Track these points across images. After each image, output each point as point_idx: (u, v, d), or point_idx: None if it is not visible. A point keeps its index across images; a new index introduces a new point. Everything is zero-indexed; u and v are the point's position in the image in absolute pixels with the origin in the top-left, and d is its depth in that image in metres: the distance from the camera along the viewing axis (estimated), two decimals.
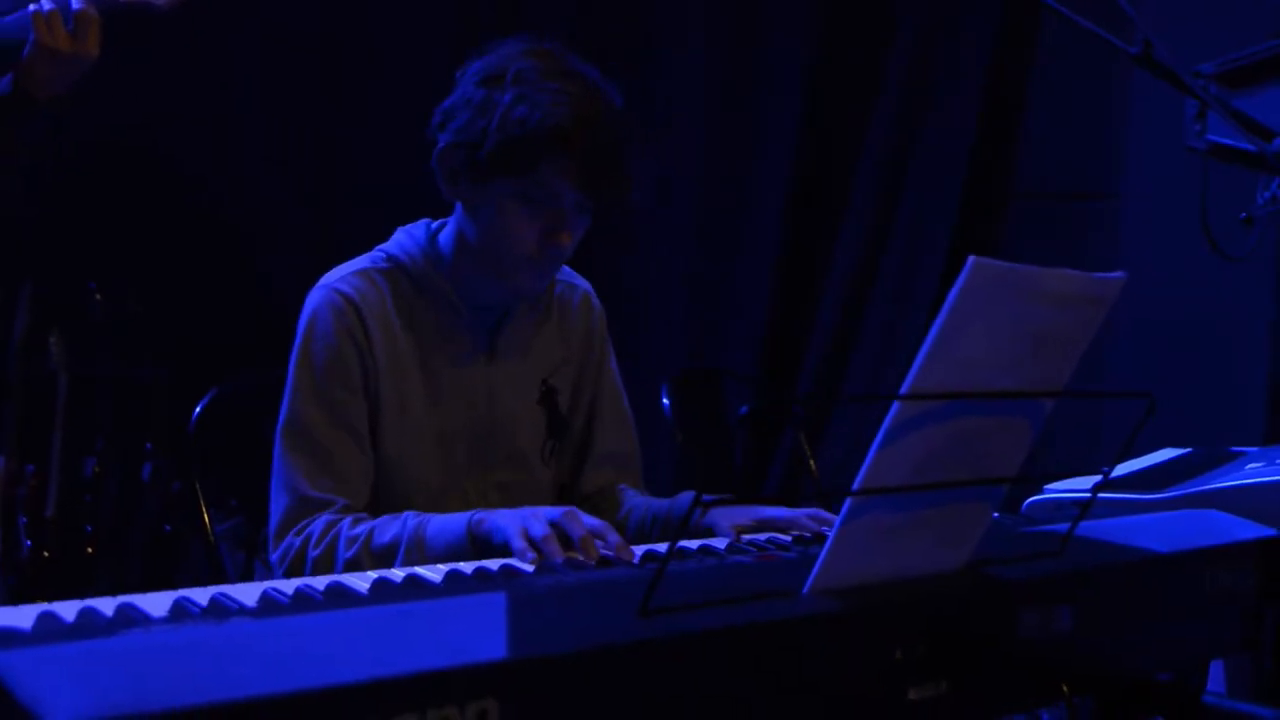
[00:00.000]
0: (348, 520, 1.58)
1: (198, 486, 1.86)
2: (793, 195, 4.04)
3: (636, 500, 1.83)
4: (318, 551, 1.57)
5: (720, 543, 1.39)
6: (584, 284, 1.91)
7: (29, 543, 3.33)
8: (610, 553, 1.33)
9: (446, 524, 1.52)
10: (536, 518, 1.39)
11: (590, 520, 1.39)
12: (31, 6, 2.00)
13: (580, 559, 1.31)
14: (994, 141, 3.90)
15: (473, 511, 1.51)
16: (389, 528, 1.55)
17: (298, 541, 1.59)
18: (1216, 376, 3.19)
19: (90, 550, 3.48)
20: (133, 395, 3.74)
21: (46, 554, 3.36)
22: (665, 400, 2.64)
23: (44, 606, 0.91)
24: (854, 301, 4.01)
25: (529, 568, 1.20)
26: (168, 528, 3.56)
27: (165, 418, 3.71)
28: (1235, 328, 3.25)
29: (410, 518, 1.55)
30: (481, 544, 1.46)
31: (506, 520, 1.42)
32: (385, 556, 1.53)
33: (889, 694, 1.02)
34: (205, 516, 1.84)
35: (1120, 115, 3.66)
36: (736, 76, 4.10)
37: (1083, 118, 3.74)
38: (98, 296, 3.71)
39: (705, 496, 1.51)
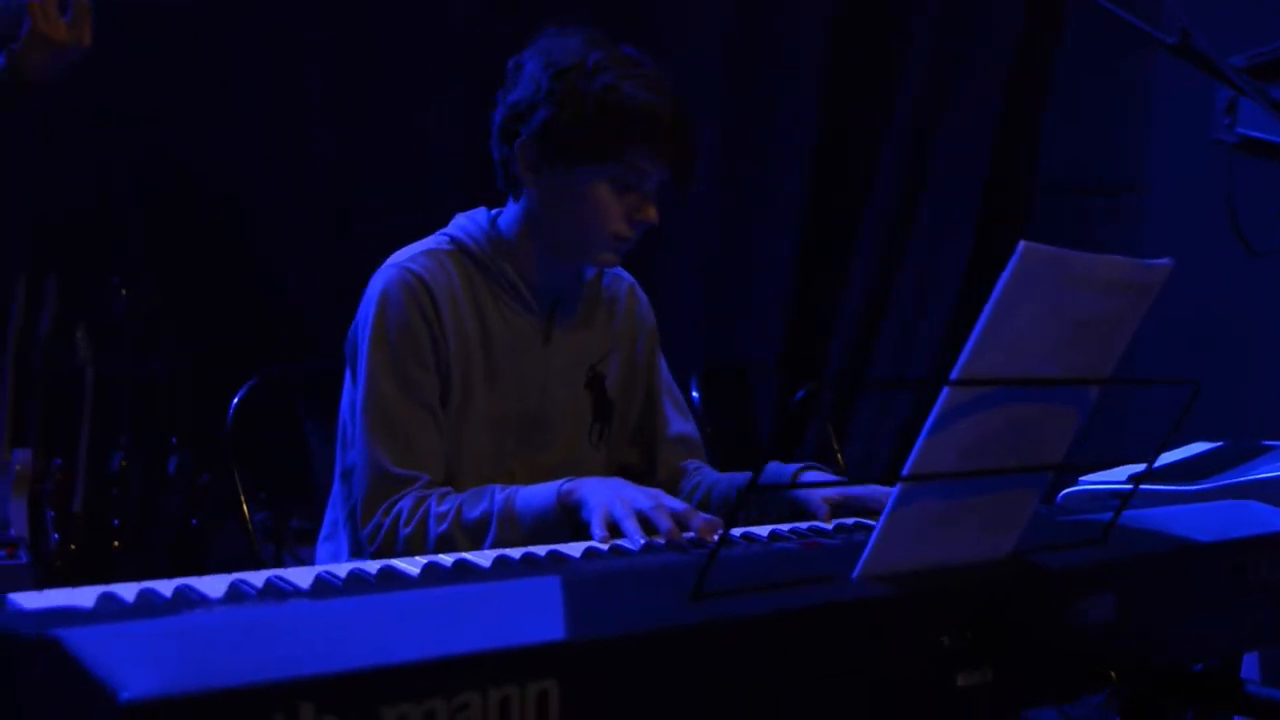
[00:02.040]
0: (435, 496, 1.61)
1: (236, 477, 1.87)
2: (815, 188, 4.04)
3: (716, 475, 1.86)
4: (409, 529, 1.59)
5: (763, 530, 1.40)
6: (629, 277, 1.94)
7: (56, 536, 3.35)
8: (693, 535, 1.38)
9: (536, 495, 1.55)
10: (622, 502, 1.43)
11: (675, 504, 1.43)
12: None
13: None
14: (1017, 135, 3.89)
15: (562, 481, 1.55)
16: (477, 503, 1.58)
17: (388, 521, 1.61)
18: (1244, 371, 3.18)
19: (116, 544, 3.50)
20: (158, 390, 3.76)
21: (73, 547, 3.38)
22: (695, 393, 2.65)
23: (103, 587, 0.92)
24: (878, 296, 4.01)
25: (576, 553, 1.22)
26: (194, 521, 3.58)
27: (191, 412, 3.73)
28: (1262, 321, 3.24)
29: (497, 491, 1.59)
30: (571, 513, 1.50)
31: (594, 498, 1.47)
32: (477, 531, 1.56)
33: (937, 680, 1.02)
34: (244, 506, 1.85)
35: (1144, 109, 3.65)
36: (757, 64, 4.10)
37: (1106, 111, 3.73)
38: (123, 292, 3.73)
39: (782, 465, 1.55)
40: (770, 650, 0.90)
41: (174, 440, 3.71)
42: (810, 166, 4.03)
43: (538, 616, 0.85)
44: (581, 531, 1.46)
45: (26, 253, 3.62)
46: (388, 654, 0.74)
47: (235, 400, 1.94)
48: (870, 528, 1.42)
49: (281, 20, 3.91)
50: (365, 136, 4.04)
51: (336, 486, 1.76)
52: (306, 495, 2.62)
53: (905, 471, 1.01)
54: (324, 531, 1.78)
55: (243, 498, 1.87)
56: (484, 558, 1.16)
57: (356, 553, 1.71)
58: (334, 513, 1.77)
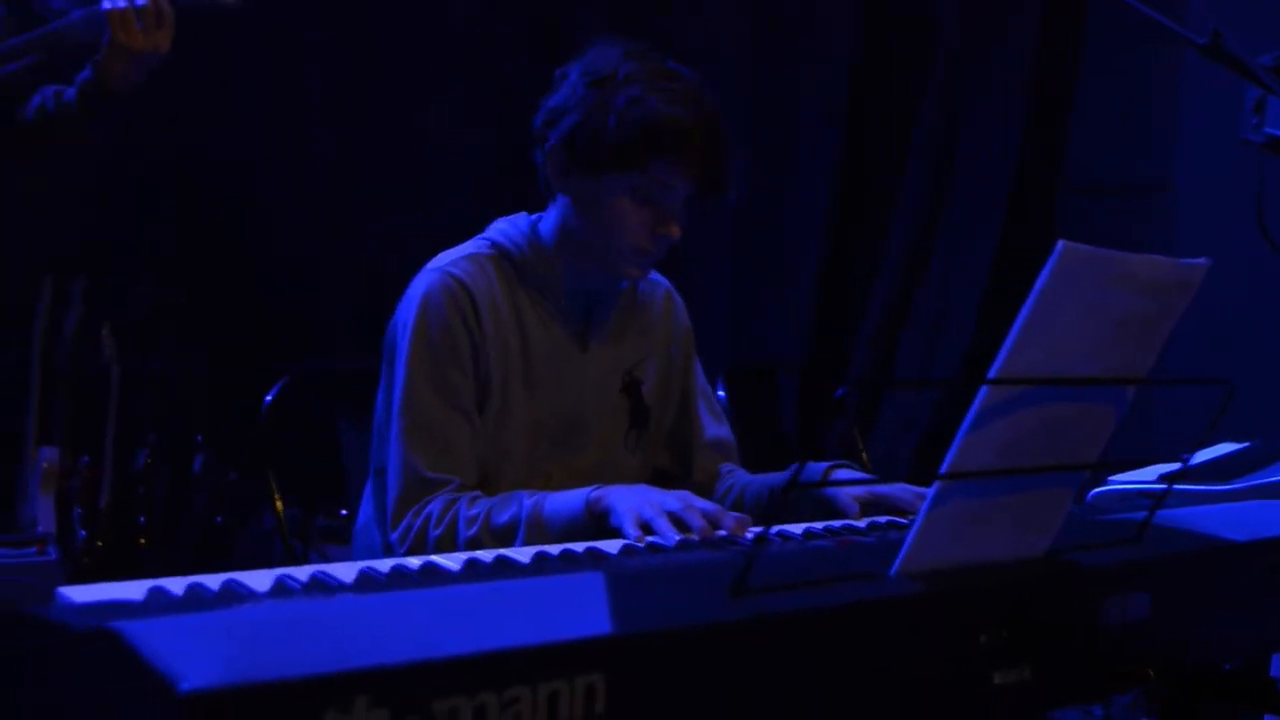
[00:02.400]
0: (465, 500, 1.61)
1: (270, 475, 1.88)
2: (840, 190, 4.04)
3: (749, 477, 1.86)
4: (438, 531, 1.59)
5: (797, 529, 1.40)
6: (664, 281, 1.95)
7: (83, 533, 3.37)
8: (725, 533, 1.38)
9: (564, 502, 1.55)
10: (651, 505, 1.43)
11: (704, 504, 1.43)
12: (105, 4, 2.06)
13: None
14: (1044, 135, 3.87)
15: (589, 488, 1.54)
16: (506, 507, 1.59)
17: (418, 523, 1.62)
18: (1271, 371, 3.16)
19: (143, 541, 3.52)
20: (184, 388, 3.79)
21: (100, 544, 3.40)
22: (721, 394, 2.66)
23: (151, 581, 0.93)
24: (903, 296, 4.01)
25: (613, 550, 1.22)
26: (219, 519, 3.61)
27: (217, 411, 3.75)
28: None
29: (525, 497, 1.59)
30: (599, 521, 1.50)
31: (622, 504, 1.47)
32: (505, 535, 1.56)
33: (974, 678, 1.03)
34: (278, 503, 1.86)
35: (1170, 109, 3.64)
36: (781, 66, 4.10)
37: (1133, 111, 3.72)
38: (147, 291, 3.75)
39: (813, 464, 1.55)
40: (810, 646, 0.91)
41: (199, 438, 3.74)
42: (836, 168, 4.03)
43: (583, 611, 0.86)
44: (610, 537, 1.46)
45: (49, 254, 3.64)
46: (439, 648, 0.74)
47: (269, 399, 1.95)
48: (903, 526, 1.43)
49: (281, 20, 3.92)
50: (365, 136, 4.05)
51: (371, 483, 1.77)
52: (332, 494, 2.64)
53: (943, 470, 1.02)
54: (358, 525, 1.79)
55: (275, 496, 1.88)
56: (523, 554, 1.17)
57: (388, 553, 1.72)
58: (369, 508, 1.78)
